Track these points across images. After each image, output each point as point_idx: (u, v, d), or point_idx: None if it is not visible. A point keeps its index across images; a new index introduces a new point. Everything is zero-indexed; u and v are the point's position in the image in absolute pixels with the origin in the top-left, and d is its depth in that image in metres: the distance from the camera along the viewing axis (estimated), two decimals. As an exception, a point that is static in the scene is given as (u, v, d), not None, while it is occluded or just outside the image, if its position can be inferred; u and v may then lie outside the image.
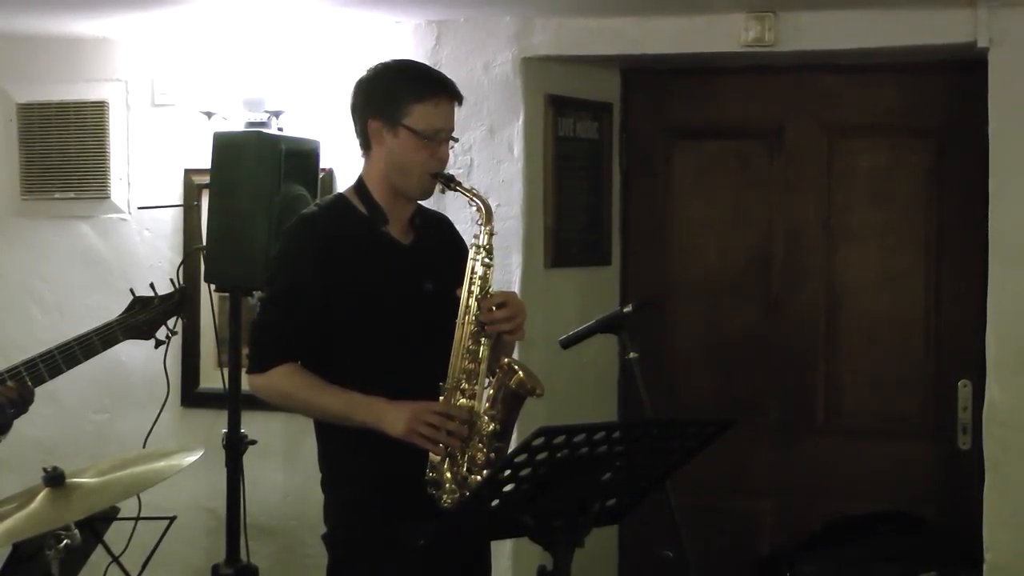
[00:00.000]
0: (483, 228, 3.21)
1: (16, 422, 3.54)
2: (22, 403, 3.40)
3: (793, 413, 4.86)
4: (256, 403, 3.60)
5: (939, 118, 4.70)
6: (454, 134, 3.27)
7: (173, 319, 3.69)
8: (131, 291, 3.66)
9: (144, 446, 4.41)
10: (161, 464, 3.46)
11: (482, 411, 3.13)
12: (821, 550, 4.44)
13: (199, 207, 4.84)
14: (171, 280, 3.91)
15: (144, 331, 3.61)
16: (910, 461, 4.73)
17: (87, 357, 3.49)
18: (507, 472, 2.60)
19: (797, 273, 4.85)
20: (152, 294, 3.61)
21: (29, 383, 3.40)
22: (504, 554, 4.43)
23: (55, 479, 3.26)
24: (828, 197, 4.81)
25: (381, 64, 3.31)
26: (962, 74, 4.58)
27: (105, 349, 3.53)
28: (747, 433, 4.55)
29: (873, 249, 4.79)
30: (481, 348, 3.15)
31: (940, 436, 4.67)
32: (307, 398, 3.20)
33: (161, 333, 3.65)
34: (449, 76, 3.31)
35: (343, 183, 4.59)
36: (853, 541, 4.43)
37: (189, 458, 3.45)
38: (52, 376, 3.51)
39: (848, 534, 4.46)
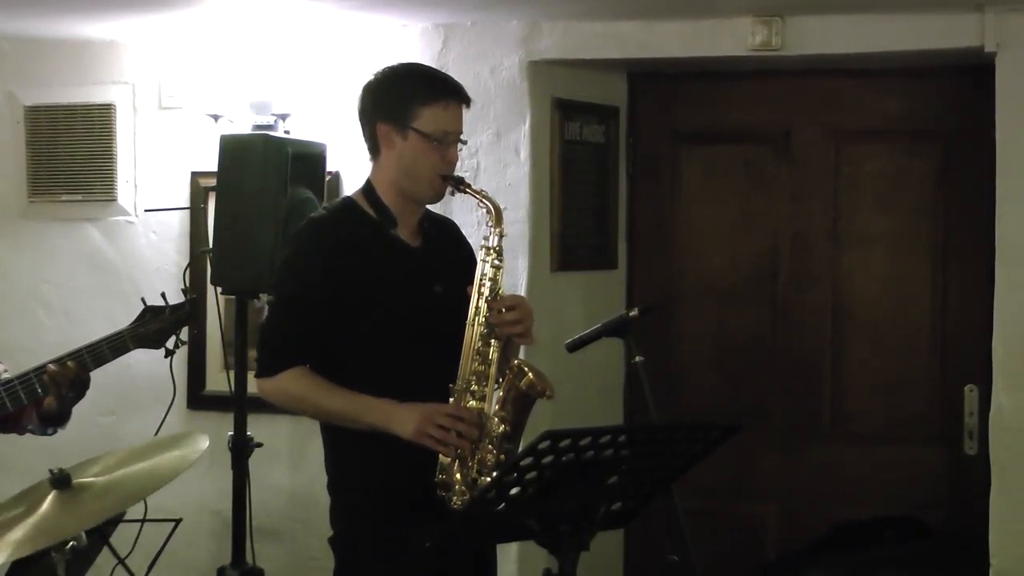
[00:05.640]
0: (493, 230, 3.21)
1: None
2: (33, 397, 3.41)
3: (799, 418, 4.85)
4: (262, 406, 3.60)
5: (946, 123, 4.69)
6: (462, 137, 3.27)
7: (183, 329, 3.69)
8: (143, 300, 3.67)
9: (149, 449, 4.41)
10: (168, 456, 3.42)
11: (492, 413, 3.13)
12: (827, 555, 4.43)
13: (206, 210, 4.83)
14: (182, 290, 3.91)
15: (154, 341, 3.61)
16: (916, 466, 4.72)
17: (97, 365, 3.50)
18: (513, 475, 2.61)
19: (803, 278, 4.84)
20: (163, 304, 3.62)
21: (39, 390, 3.40)
22: (510, 557, 4.42)
23: (61, 481, 3.26)
24: (834, 201, 4.81)
25: (388, 67, 3.31)
26: (969, 78, 4.57)
27: (115, 357, 3.53)
28: (753, 438, 4.54)
29: (879, 254, 4.79)
30: (491, 350, 3.15)
31: (946, 441, 4.66)
32: (317, 401, 3.20)
33: (170, 342, 3.66)
34: (456, 80, 3.31)
35: (350, 186, 4.59)
36: (859, 546, 4.43)
37: (198, 447, 3.40)
38: None
39: (854, 539, 4.46)
